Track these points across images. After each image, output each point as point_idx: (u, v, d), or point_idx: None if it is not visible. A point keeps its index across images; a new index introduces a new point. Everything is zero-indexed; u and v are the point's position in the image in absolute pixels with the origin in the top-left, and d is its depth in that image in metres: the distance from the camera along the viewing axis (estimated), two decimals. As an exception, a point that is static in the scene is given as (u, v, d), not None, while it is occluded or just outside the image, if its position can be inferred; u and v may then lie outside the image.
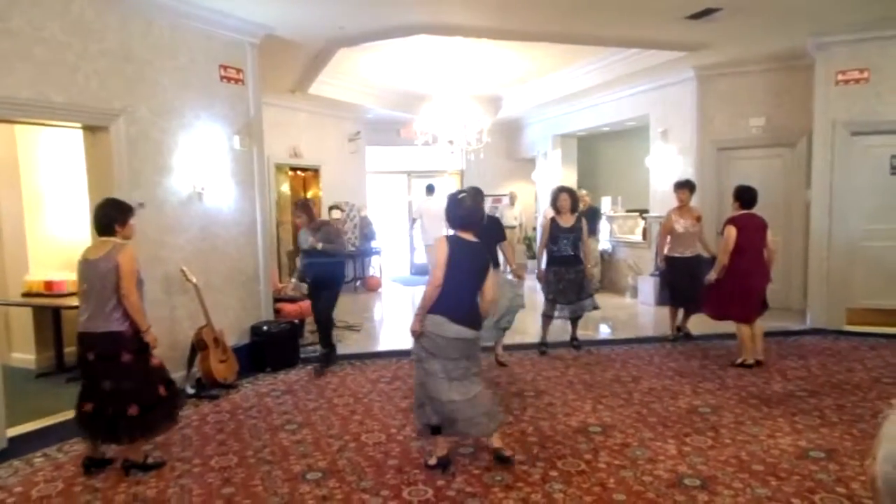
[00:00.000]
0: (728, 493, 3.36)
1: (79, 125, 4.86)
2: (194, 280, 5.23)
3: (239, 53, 6.00)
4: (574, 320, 6.60)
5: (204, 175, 5.59)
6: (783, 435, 4.14)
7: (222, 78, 5.83)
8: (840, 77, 6.91)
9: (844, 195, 7.10)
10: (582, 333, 6.82)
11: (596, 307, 6.57)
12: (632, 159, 11.49)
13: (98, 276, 3.60)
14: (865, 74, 6.78)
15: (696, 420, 4.46)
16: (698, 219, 6.78)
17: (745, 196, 5.77)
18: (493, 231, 5.55)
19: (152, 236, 5.16)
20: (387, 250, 12.55)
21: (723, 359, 6.01)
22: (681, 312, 6.96)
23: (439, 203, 7.16)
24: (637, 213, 10.17)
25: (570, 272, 6.30)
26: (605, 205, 11.00)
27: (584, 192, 10.67)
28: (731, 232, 5.62)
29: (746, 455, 3.84)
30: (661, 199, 9.00)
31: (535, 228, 13.00)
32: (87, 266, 3.66)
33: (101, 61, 4.75)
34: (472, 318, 3.68)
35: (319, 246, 5.77)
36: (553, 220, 6.39)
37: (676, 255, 6.72)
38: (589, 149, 12.73)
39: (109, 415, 3.62)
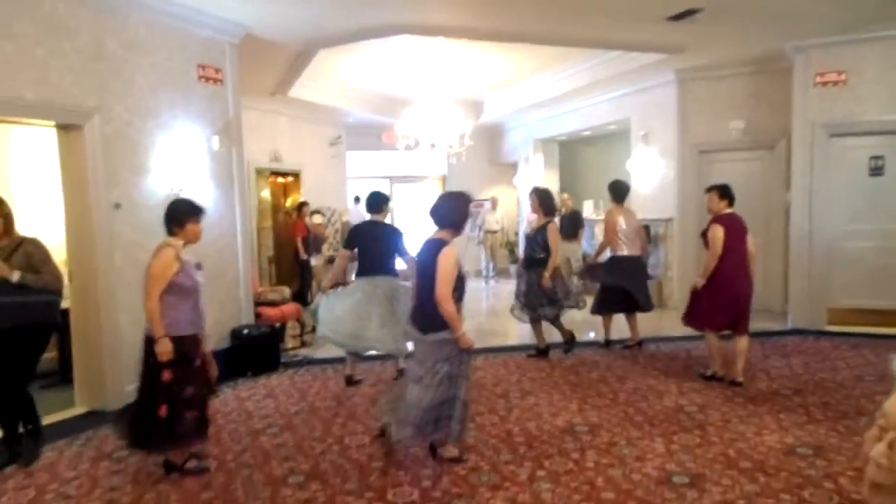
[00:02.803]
0: (717, 489, 3.33)
1: (52, 123, 4.73)
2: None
3: (218, 53, 5.90)
4: (536, 320, 6.25)
5: (182, 176, 5.47)
6: (770, 432, 4.13)
7: (200, 77, 5.73)
8: (818, 79, 6.98)
9: (824, 196, 7.16)
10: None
11: (574, 306, 6.29)
12: (613, 163, 11.52)
13: (144, 276, 3.54)
14: (843, 77, 6.87)
15: (682, 418, 4.43)
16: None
17: (731, 193, 5.27)
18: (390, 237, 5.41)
19: (129, 238, 5.03)
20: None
21: (706, 359, 5.99)
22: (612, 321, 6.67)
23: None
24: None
25: (537, 275, 6.00)
26: (588, 209, 11.02)
27: (566, 195, 10.70)
28: (719, 232, 5.07)
29: (734, 452, 3.81)
30: (643, 202, 9.03)
31: (517, 233, 12.99)
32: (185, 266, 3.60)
33: (74, 58, 4.63)
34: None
35: (15, 277, 3.63)
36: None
37: (624, 254, 6.46)
38: (570, 153, 12.77)
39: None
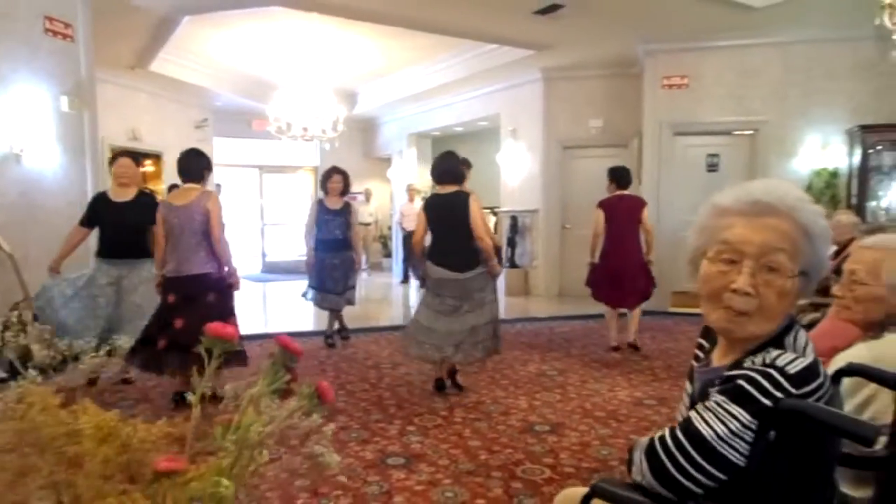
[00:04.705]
0: (574, 434, 3.55)
1: None
2: (9, 249, 4.61)
3: (67, 6, 5.42)
4: (332, 311, 6.07)
5: (23, 136, 4.98)
6: (621, 389, 4.46)
7: (47, 31, 5.25)
8: (665, 82, 7.67)
9: (669, 190, 7.85)
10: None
11: (350, 302, 6.08)
12: (483, 159, 11.86)
13: (187, 221, 3.87)
14: (686, 80, 7.60)
15: (544, 381, 4.68)
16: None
17: (618, 175, 5.65)
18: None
19: (-44, 199, 4.51)
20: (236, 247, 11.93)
21: (567, 334, 6.38)
22: None
23: None
24: (489, 210, 10.54)
25: (336, 258, 5.86)
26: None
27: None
28: (598, 216, 5.52)
29: (590, 405, 4.08)
30: (512, 194, 9.44)
31: (390, 227, 13.05)
32: (173, 212, 3.90)
33: None
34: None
35: None
36: (320, 202, 5.97)
37: None
38: (443, 148, 12.89)
39: (182, 348, 3.61)
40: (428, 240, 4.45)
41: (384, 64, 9.53)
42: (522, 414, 3.90)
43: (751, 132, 7.61)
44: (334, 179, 5.93)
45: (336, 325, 6.14)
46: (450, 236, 4.23)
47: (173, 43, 7.66)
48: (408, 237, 10.77)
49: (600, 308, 7.18)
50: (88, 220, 4.45)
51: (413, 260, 5.01)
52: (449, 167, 4.40)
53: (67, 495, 0.55)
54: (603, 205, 5.58)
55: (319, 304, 6.02)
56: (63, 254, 4.40)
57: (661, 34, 7.24)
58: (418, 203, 10.77)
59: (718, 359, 1.26)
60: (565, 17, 6.59)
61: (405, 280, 10.81)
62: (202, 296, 3.90)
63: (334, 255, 5.83)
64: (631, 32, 7.22)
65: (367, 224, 12.70)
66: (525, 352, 5.62)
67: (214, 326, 0.71)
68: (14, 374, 4.47)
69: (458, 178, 4.39)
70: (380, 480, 2.93)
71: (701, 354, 1.36)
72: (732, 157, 7.76)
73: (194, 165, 4.11)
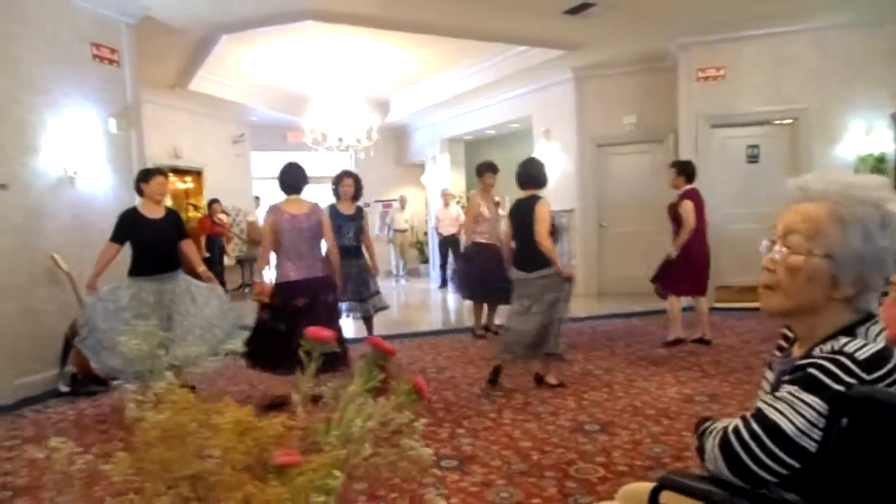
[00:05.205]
0: (626, 432, 3.54)
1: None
2: (66, 268, 4.81)
3: (113, 33, 5.63)
4: (366, 319, 5.79)
5: (76, 158, 5.18)
6: (670, 386, 4.42)
7: (95, 56, 5.45)
8: (700, 74, 7.57)
9: (708, 184, 7.68)
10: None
11: (384, 307, 5.86)
12: (516, 161, 11.87)
13: (307, 228, 4.23)
14: (722, 72, 7.49)
15: (591, 380, 4.66)
16: (497, 204, 6.74)
17: (688, 169, 5.69)
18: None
19: (17, 222, 4.70)
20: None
21: (610, 332, 6.33)
22: (485, 308, 6.51)
23: None
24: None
25: (352, 265, 5.58)
26: (494, 205, 11.30)
27: (474, 192, 10.92)
28: (690, 206, 5.46)
29: (640, 403, 4.06)
30: (546, 194, 9.37)
31: (426, 233, 13.13)
32: (292, 220, 4.20)
33: (-47, 27, 4.31)
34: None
35: None
36: (333, 206, 5.69)
37: (483, 240, 6.29)
38: (476, 152, 13.04)
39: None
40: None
41: (415, 71, 9.61)
42: (571, 413, 3.90)
43: (790, 121, 7.46)
44: (345, 183, 5.72)
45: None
46: (521, 237, 4.51)
47: (210, 61, 7.86)
48: (444, 242, 10.83)
49: (642, 305, 7.21)
50: (121, 237, 4.46)
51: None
52: (530, 172, 4.66)
53: (203, 486, 0.60)
54: (691, 196, 5.57)
55: (351, 312, 5.73)
56: (98, 271, 4.41)
57: (695, 27, 7.16)
58: (454, 208, 10.83)
59: (797, 350, 1.28)
60: (596, 16, 6.57)
61: (443, 285, 10.84)
62: (325, 296, 4.29)
63: (351, 261, 5.56)
64: (663, 27, 7.15)
65: (404, 231, 12.83)
66: (569, 352, 5.55)
67: (314, 330, 0.76)
68: (76, 386, 4.65)
69: (538, 182, 4.66)
70: (434, 482, 2.96)
71: (785, 345, 1.37)
72: (773, 148, 7.62)
73: (300, 178, 4.44)
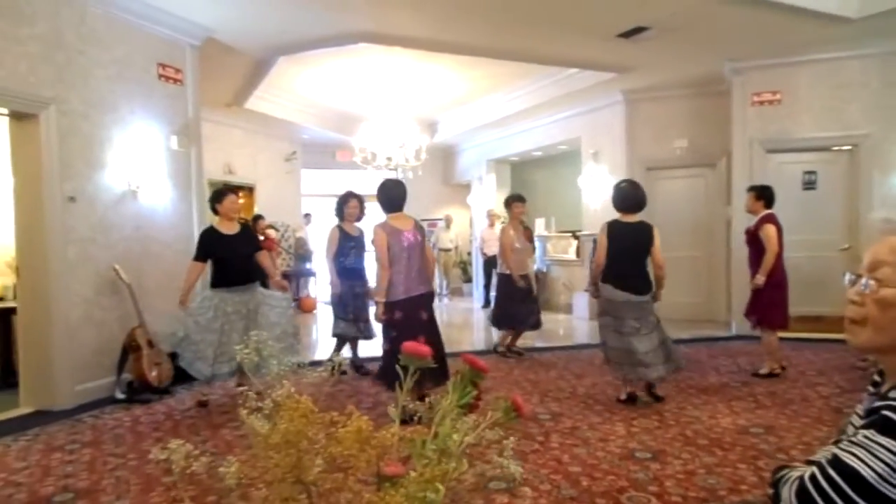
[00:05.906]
0: (678, 462, 3.45)
1: (5, 111, 4.60)
2: (127, 279, 4.98)
3: (178, 53, 5.88)
4: (353, 340, 5.82)
5: (139, 173, 5.39)
6: (723, 416, 4.30)
7: (160, 76, 5.69)
8: (755, 99, 7.45)
9: (762, 209, 7.55)
10: (522, 342, 6.83)
11: (370, 336, 5.74)
12: (563, 182, 11.89)
13: (416, 243, 4.35)
14: (778, 96, 7.35)
15: (640, 406, 4.57)
16: (527, 230, 6.81)
17: (767, 194, 5.57)
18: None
19: (82, 233, 4.91)
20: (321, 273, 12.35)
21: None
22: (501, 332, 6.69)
23: None
24: (570, 234, 10.47)
25: (361, 287, 5.68)
26: (539, 226, 11.27)
27: (506, 225, 10.91)
28: (772, 231, 5.31)
29: (691, 432, 3.96)
30: (594, 217, 9.33)
31: (469, 253, 13.15)
32: (402, 236, 4.30)
33: (32, 46, 4.55)
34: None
35: None
36: (340, 228, 5.72)
37: (518, 273, 6.36)
38: (522, 173, 13.08)
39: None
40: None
41: (464, 93, 9.72)
42: (621, 440, 3.83)
43: (850, 147, 7.26)
44: (352, 204, 5.71)
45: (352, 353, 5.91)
46: (632, 262, 4.61)
47: (266, 81, 8.10)
48: (488, 262, 10.82)
49: (690, 332, 7.04)
50: (204, 255, 4.72)
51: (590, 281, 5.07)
52: (634, 197, 4.76)
53: (316, 493, 0.62)
54: (774, 221, 5.42)
55: (345, 332, 5.68)
56: (188, 288, 4.69)
57: (750, 52, 7.06)
58: (498, 228, 10.82)
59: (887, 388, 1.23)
60: (649, 39, 6.53)
61: (486, 305, 10.82)
62: (432, 310, 4.49)
63: (360, 283, 5.70)
64: (717, 51, 7.07)
65: (448, 250, 12.87)
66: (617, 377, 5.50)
67: (411, 345, 0.78)
68: (132, 393, 4.80)
69: (642, 206, 4.79)
70: (483, 504, 2.94)
71: (879, 380, 1.32)
72: (831, 174, 7.42)
73: (403, 195, 4.52)
